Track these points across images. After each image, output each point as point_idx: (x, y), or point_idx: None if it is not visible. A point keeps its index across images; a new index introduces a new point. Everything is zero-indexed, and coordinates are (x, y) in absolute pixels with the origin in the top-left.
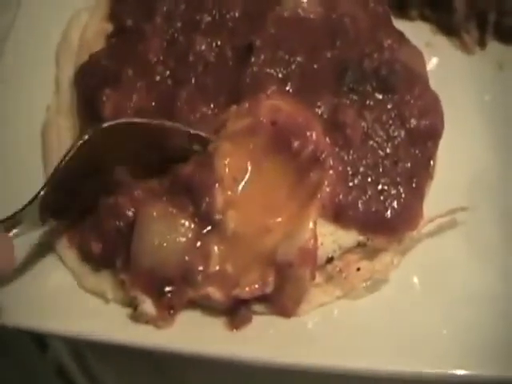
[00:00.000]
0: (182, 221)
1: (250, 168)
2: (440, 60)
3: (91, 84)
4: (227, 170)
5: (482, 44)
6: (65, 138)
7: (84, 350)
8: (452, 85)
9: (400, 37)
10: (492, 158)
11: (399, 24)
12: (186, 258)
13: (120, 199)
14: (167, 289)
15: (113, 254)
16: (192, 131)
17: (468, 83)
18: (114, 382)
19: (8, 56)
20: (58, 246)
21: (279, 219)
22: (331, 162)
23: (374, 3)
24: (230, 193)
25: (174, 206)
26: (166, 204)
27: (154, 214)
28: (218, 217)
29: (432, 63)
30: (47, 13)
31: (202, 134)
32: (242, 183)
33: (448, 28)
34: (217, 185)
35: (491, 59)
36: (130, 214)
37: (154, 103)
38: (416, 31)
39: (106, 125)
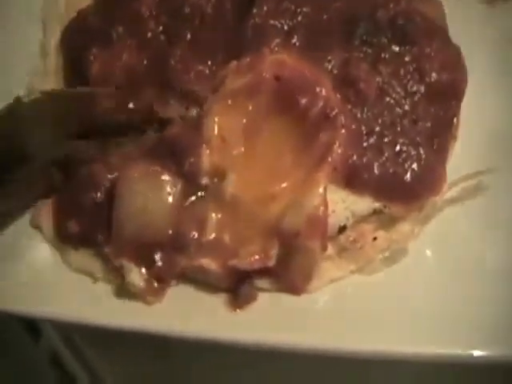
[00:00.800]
0: (167, 178)
1: (249, 130)
2: (460, 12)
3: (78, 43)
4: (216, 129)
5: None
6: None
7: (76, 336)
8: (471, 39)
9: None
10: None
11: None
12: (176, 221)
13: (94, 167)
14: (156, 257)
15: (93, 230)
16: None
17: (489, 38)
18: (109, 370)
19: None
20: (42, 224)
21: (284, 185)
22: (343, 120)
23: None
24: (220, 155)
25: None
26: (148, 164)
27: (136, 174)
28: (204, 180)
29: (451, 16)
30: None
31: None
32: (241, 146)
33: None
34: (204, 145)
35: None
36: (107, 182)
37: (145, 62)
38: None
39: (26, 99)
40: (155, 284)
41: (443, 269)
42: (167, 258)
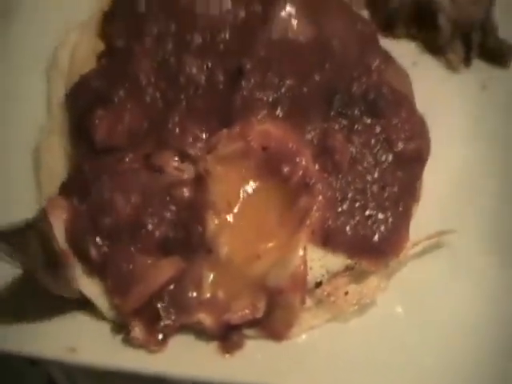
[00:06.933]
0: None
1: (242, 192)
2: (426, 79)
3: (82, 105)
4: (222, 194)
5: (466, 62)
6: (58, 158)
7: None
8: (438, 104)
9: (386, 57)
10: (477, 178)
11: (386, 43)
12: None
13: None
14: (160, 314)
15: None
16: None
17: (453, 102)
18: None
19: None
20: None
21: (270, 245)
22: (320, 188)
23: (361, 24)
24: (223, 218)
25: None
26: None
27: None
28: (209, 243)
29: (418, 83)
30: (38, 30)
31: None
32: (236, 208)
33: (434, 46)
34: (211, 211)
35: (476, 78)
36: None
37: (145, 124)
38: (402, 50)
39: None
40: (158, 338)
41: (409, 319)
42: (169, 315)
